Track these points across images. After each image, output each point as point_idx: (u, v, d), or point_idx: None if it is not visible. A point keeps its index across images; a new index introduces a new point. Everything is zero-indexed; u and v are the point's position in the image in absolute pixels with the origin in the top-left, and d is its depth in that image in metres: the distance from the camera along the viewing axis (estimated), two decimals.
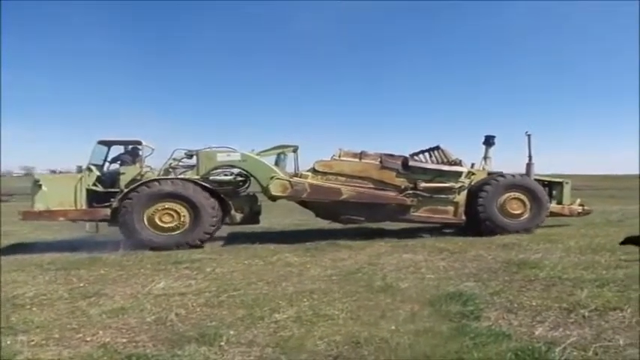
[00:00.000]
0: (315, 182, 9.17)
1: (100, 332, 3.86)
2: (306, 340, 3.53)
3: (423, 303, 4.46)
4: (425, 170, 9.63)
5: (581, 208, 10.88)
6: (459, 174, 9.62)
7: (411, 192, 9.38)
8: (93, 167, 9.00)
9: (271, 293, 5.01)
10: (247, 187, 9.82)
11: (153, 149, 9.48)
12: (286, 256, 7.24)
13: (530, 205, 9.68)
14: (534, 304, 4.29)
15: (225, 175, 9.61)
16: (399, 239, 8.89)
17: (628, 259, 6.00)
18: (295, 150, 9.84)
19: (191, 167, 9.44)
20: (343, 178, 9.29)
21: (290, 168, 9.83)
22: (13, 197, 29.16)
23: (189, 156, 9.43)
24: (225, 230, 10.03)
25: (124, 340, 3.67)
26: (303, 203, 9.86)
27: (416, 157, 10.43)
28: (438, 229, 10.22)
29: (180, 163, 9.55)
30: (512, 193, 9.67)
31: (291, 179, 9.15)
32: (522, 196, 9.70)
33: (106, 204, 8.74)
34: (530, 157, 10.59)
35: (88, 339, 3.72)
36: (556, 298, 4.40)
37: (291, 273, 6.09)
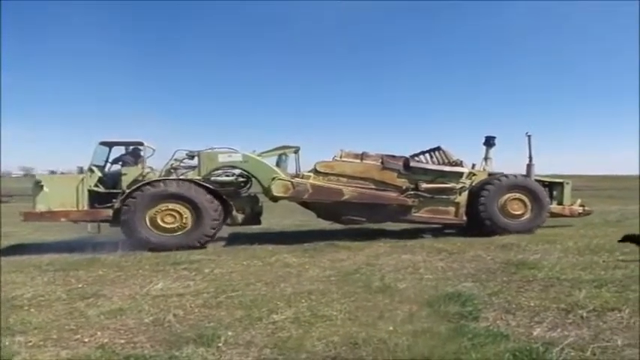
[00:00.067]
0: (316, 183, 9.19)
1: (98, 333, 3.86)
2: (304, 340, 3.53)
3: (421, 303, 4.45)
4: (426, 171, 9.65)
5: (581, 208, 10.90)
6: (460, 175, 9.64)
7: (412, 193, 9.39)
8: (95, 168, 8.99)
9: (269, 294, 5.01)
10: (249, 188, 9.84)
11: (154, 150, 9.50)
12: (285, 257, 7.24)
13: (531, 205, 9.70)
14: (532, 304, 4.29)
15: (227, 175, 9.62)
16: (397, 240, 8.89)
17: (626, 259, 6.01)
18: (296, 151, 9.86)
19: (192, 168, 9.45)
20: (345, 179, 9.31)
21: (291, 169, 9.86)
22: (12, 198, 29.14)
23: (191, 157, 9.45)
24: (224, 231, 10.03)
25: (122, 341, 3.67)
26: (305, 204, 9.88)
27: (417, 158, 10.44)
28: (438, 230, 10.23)
29: (182, 164, 9.57)
30: (513, 194, 9.68)
31: (292, 180, 9.16)
32: (523, 197, 9.72)
33: (108, 205, 8.73)
34: (530, 157, 10.62)
35: (86, 340, 3.72)
36: (554, 299, 4.40)
37: (289, 274, 6.09)
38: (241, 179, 9.69)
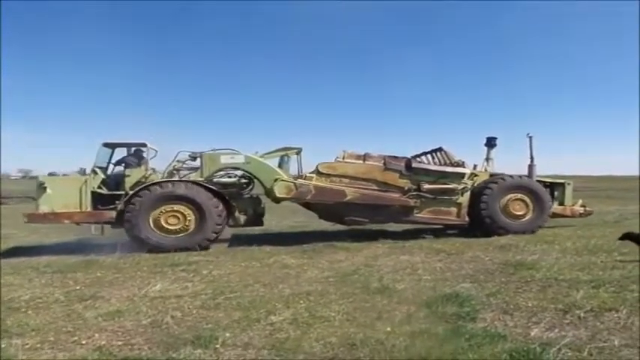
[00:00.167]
0: (319, 184, 9.20)
1: (96, 335, 3.86)
2: (302, 342, 3.53)
3: (419, 304, 4.46)
4: (428, 172, 9.67)
5: (582, 209, 10.89)
6: (461, 175, 9.66)
7: (414, 193, 9.42)
8: (98, 169, 8.98)
9: (268, 295, 5.01)
10: (251, 189, 9.85)
11: (157, 151, 9.51)
12: (283, 258, 7.24)
13: (533, 206, 9.71)
14: (530, 305, 4.29)
15: (229, 177, 9.63)
16: (396, 241, 8.90)
17: (624, 259, 6.01)
18: (299, 152, 9.87)
19: (194, 169, 9.45)
20: (347, 180, 9.34)
21: (293, 170, 9.87)
22: (12, 200, 29.12)
23: (193, 158, 9.46)
24: (226, 232, 10.00)
25: (120, 343, 3.67)
26: (307, 205, 9.90)
27: (419, 159, 10.45)
28: (438, 230, 10.24)
29: (184, 165, 9.57)
30: (514, 195, 9.70)
31: (295, 181, 9.17)
32: (525, 197, 9.73)
33: (111, 206, 8.72)
34: (531, 158, 10.61)
35: (84, 342, 3.71)
36: (552, 299, 4.40)
37: (287, 275, 6.10)
38: (243, 180, 9.69)
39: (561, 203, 10.74)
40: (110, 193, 8.87)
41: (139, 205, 8.43)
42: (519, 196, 9.72)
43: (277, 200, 9.33)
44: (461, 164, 9.83)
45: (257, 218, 9.62)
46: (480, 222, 9.54)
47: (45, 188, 8.61)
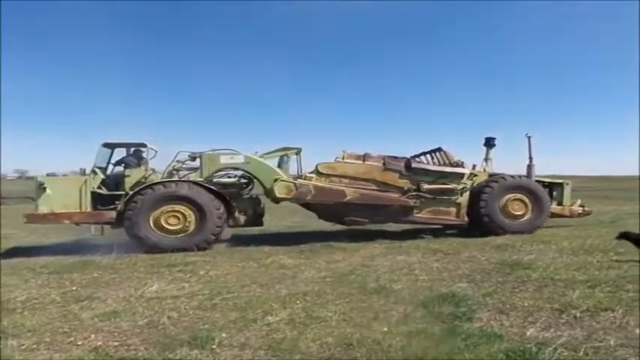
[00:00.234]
0: (319, 184, 9.20)
1: (92, 336, 3.85)
2: (299, 342, 3.53)
3: (415, 304, 4.46)
4: (427, 172, 9.69)
5: (581, 209, 10.92)
6: (461, 175, 9.68)
7: (413, 193, 9.43)
8: (97, 170, 8.96)
9: (264, 296, 5.01)
10: (251, 190, 9.85)
11: (156, 151, 9.50)
12: (280, 259, 7.24)
13: (532, 206, 9.73)
14: (526, 304, 4.29)
15: (229, 177, 9.62)
16: (393, 241, 8.91)
17: (620, 259, 6.03)
18: (298, 152, 9.88)
19: (194, 169, 9.45)
20: (347, 180, 9.35)
21: (293, 170, 9.87)
22: (11, 200, 29.04)
23: (193, 158, 9.46)
24: (226, 232, 9.98)
25: (116, 344, 3.66)
26: (307, 205, 9.90)
27: (418, 159, 10.46)
28: (437, 230, 10.25)
29: (184, 166, 9.57)
30: (513, 195, 9.72)
31: (295, 181, 9.17)
32: (524, 197, 9.75)
33: (111, 207, 8.70)
34: (530, 158, 10.65)
35: (80, 343, 3.71)
36: (548, 299, 4.40)
37: (284, 275, 6.09)
38: (243, 181, 9.69)
39: (560, 203, 10.78)
40: (110, 193, 8.86)
41: (141, 204, 8.42)
42: (518, 196, 9.73)
43: (277, 200, 9.33)
44: (460, 164, 9.84)
45: (257, 218, 9.63)
46: (479, 222, 9.55)
47: (44, 188, 8.59)
